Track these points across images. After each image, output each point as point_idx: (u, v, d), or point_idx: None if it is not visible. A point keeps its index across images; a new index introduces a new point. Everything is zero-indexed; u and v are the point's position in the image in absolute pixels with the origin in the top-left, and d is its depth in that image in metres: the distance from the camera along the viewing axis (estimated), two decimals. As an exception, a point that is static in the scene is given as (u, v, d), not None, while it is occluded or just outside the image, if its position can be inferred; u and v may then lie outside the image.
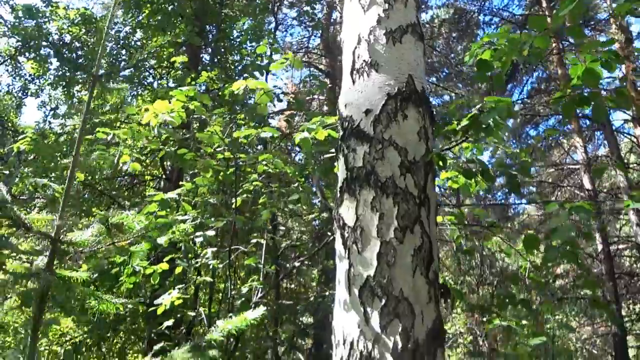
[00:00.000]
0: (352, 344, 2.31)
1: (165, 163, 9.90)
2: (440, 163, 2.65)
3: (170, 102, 3.59)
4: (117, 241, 2.16)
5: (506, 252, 3.41)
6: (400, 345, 2.23)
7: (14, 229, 2.02)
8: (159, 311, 4.39)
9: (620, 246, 16.39)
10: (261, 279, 4.49)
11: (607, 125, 12.98)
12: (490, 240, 3.44)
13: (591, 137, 15.91)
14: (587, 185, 13.52)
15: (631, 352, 14.25)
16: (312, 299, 7.63)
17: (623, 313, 14.96)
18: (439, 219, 3.63)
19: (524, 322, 3.33)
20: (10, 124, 13.58)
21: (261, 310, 2.22)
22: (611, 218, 16.52)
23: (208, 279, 4.80)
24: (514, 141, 14.89)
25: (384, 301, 2.29)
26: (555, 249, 2.64)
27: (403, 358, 2.22)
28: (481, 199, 13.62)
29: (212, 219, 4.33)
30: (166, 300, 4.36)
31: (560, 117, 13.77)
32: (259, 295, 4.37)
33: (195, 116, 3.91)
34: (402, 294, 2.30)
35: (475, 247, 3.66)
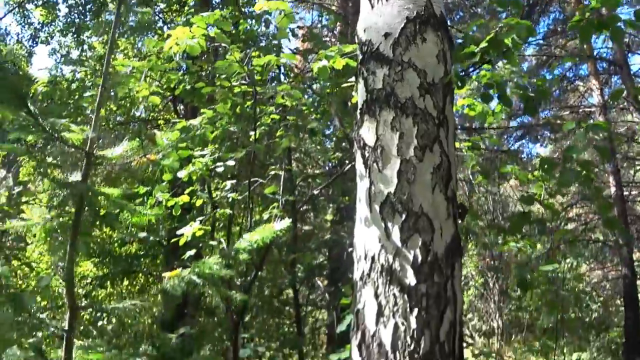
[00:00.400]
0: (373, 258, 2.40)
1: (178, 107, 9.92)
2: (459, 83, 2.68)
3: (190, 30, 3.62)
4: (148, 153, 2.24)
5: (521, 178, 3.46)
6: (420, 258, 2.32)
7: (50, 141, 2.10)
8: (181, 242, 4.51)
9: (634, 192, 16.40)
10: (281, 208, 4.60)
11: (624, 67, 12.79)
12: (505, 167, 3.49)
13: (608, 80, 15.69)
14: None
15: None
16: (327, 237, 7.79)
17: (634, 257, 15.08)
18: (456, 144, 3.68)
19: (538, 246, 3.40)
20: (22, 73, 13.59)
21: (287, 222, 2.31)
22: (625, 164, 16.48)
23: (228, 211, 4.92)
24: (529, 84, 14.70)
25: (404, 216, 2.37)
26: (570, 172, 2.69)
27: (422, 270, 2.31)
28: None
29: (231, 154, 4.41)
30: (187, 231, 4.48)
31: (577, 60, 13.57)
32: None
33: (215, 44, 3.93)
34: (422, 209, 2.38)
35: (490, 170, 3.71)
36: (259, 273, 7.56)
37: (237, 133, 4.70)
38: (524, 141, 15.98)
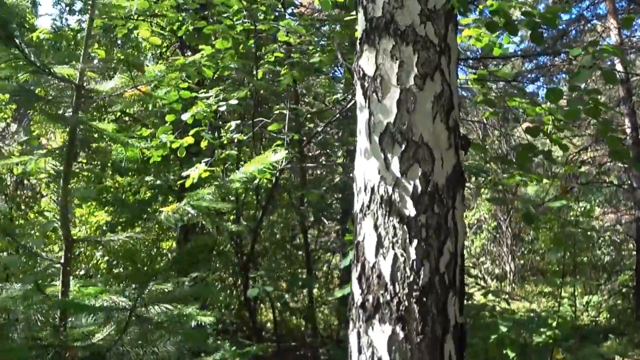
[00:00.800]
0: (373, 189, 2.36)
1: (185, 53, 9.79)
2: (462, 10, 2.56)
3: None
4: (139, 84, 2.19)
5: (529, 112, 3.36)
6: (420, 188, 2.27)
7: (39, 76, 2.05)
8: (187, 184, 4.51)
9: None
10: (286, 146, 4.55)
11: (644, 4, 12.34)
12: (513, 100, 3.39)
13: (627, 21, 15.17)
14: (619, 67, 13.10)
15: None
16: (338, 179, 7.77)
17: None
18: (461, 77, 3.58)
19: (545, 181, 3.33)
20: (27, 25, 13.44)
21: (282, 153, 2.27)
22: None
23: (233, 152, 4.89)
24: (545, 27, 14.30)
25: (403, 146, 2.31)
26: (576, 100, 2.60)
27: (422, 201, 2.27)
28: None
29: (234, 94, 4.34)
30: (194, 173, 4.46)
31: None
32: (284, 163, 4.44)
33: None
34: (422, 139, 2.32)
35: (497, 103, 3.61)
36: (270, 217, 7.61)
37: (239, 72, 4.61)
38: (539, 83, 15.66)
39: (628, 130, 12.98)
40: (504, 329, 4.01)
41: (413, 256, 2.22)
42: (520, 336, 4.17)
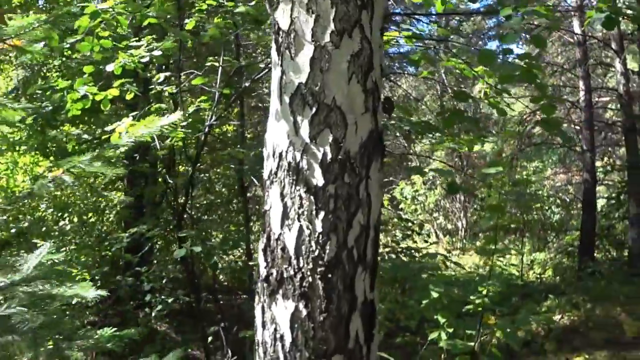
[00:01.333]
0: (281, 155, 2.17)
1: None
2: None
3: None
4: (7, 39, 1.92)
5: (466, 74, 3.20)
6: (330, 156, 2.09)
7: None
8: (113, 139, 4.23)
9: (606, 98, 16.31)
10: (215, 102, 4.30)
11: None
12: (449, 60, 3.22)
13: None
14: (577, 29, 13.08)
15: (601, 202, 14.67)
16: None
17: (599, 164, 15.24)
18: (394, 33, 3.38)
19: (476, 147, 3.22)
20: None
21: (177, 115, 2.05)
22: (600, 70, 16.25)
23: (163, 105, 4.61)
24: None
25: (314, 110, 2.12)
26: (508, 64, 2.44)
27: (332, 169, 2.09)
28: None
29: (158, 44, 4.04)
30: (120, 127, 4.19)
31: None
32: (213, 119, 4.21)
33: None
34: (335, 102, 2.12)
35: (433, 60, 3.44)
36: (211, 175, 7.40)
37: (164, 21, 4.30)
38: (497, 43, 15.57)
39: (582, 93, 13.06)
40: (435, 294, 3.96)
41: (319, 229, 2.06)
42: (453, 301, 4.12)
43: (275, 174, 2.18)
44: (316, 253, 2.05)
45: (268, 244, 2.17)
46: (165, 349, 6.44)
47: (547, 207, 16.60)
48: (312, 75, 2.14)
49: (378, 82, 2.27)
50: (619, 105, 13.20)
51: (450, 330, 4.11)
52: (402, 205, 16.58)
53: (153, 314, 7.43)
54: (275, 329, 2.12)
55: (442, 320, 4.07)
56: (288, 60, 2.22)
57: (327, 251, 2.05)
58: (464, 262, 13.20)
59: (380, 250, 10.31)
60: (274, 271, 2.13)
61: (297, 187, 2.10)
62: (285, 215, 2.12)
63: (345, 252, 2.07)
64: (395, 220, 10.77)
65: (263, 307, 2.18)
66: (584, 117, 12.79)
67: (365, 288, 2.14)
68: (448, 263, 6.17)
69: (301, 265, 2.06)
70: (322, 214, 2.06)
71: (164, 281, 8.16)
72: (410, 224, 10.73)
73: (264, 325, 2.18)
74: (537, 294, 9.73)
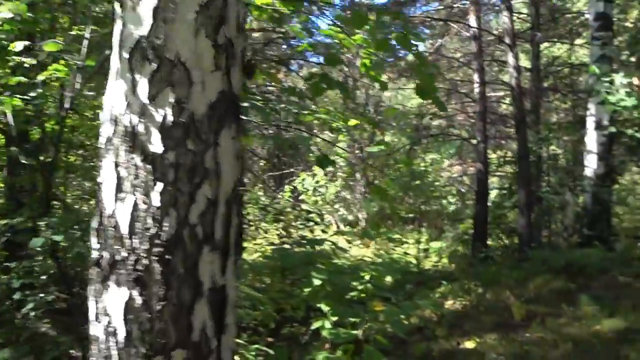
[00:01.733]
0: (117, 119, 1.86)
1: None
2: None
3: None
4: None
5: (346, 44, 3.01)
6: (170, 118, 1.81)
7: None
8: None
9: (500, 93, 16.94)
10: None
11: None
12: (327, 30, 3.03)
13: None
14: (473, 23, 13.44)
15: (495, 193, 15.21)
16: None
17: (493, 156, 15.83)
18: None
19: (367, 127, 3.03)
20: None
21: None
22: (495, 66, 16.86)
23: (22, 78, 4.05)
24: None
25: (155, 66, 1.82)
26: (384, 25, 2.25)
27: (173, 135, 1.81)
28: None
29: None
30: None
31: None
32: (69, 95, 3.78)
33: None
34: (179, 57, 1.83)
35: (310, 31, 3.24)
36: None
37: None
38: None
39: (476, 85, 13.44)
40: (317, 282, 3.78)
41: (156, 203, 1.77)
42: (337, 288, 3.96)
43: (110, 140, 1.87)
44: (153, 231, 1.76)
45: (101, 222, 1.86)
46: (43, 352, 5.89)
47: (443, 197, 17.06)
48: (155, 27, 1.84)
49: (234, 39, 2.00)
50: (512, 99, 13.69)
51: (335, 318, 3.94)
52: (302, 197, 16.45)
53: (32, 314, 6.80)
54: (109, 322, 1.81)
55: (325, 308, 3.89)
56: (129, 10, 1.90)
57: (166, 229, 1.77)
58: (364, 252, 13.27)
59: (275, 240, 10.17)
60: (106, 254, 1.82)
61: (133, 155, 1.80)
62: (119, 188, 1.81)
63: (187, 230, 1.79)
64: (295, 210, 10.66)
65: (96, 297, 1.87)
66: (478, 108, 13.17)
67: (214, 272, 1.88)
68: (336, 250, 6.05)
69: (135, 245, 1.76)
70: (160, 186, 1.77)
71: (41, 277, 7.51)
72: (310, 214, 10.63)
73: (97, 318, 1.87)
74: (432, 281, 9.86)
